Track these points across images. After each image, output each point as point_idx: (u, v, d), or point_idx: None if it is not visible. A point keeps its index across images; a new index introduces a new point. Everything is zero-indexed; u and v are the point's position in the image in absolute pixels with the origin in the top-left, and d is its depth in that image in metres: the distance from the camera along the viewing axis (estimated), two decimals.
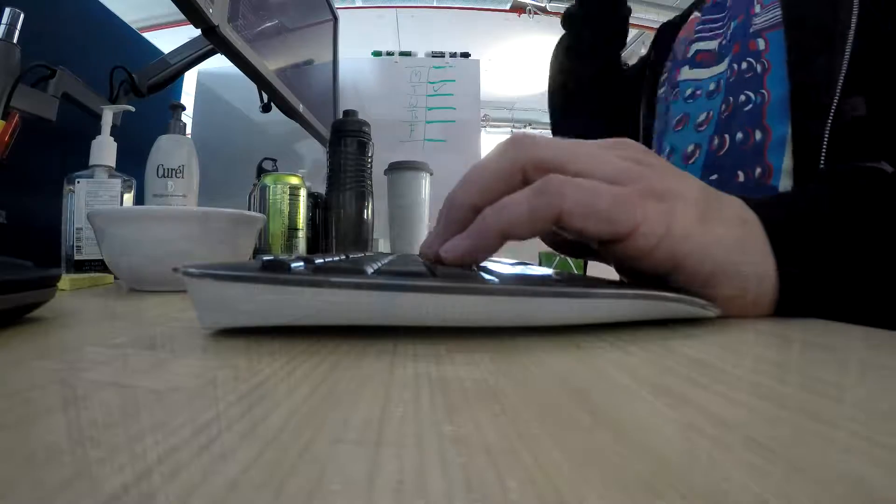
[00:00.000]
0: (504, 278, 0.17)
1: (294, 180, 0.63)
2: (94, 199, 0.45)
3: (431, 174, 0.86)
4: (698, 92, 0.48)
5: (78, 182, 0.45)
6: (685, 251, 0.21)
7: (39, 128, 0.52)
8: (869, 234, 0.22)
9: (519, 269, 0.26)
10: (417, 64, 1.49)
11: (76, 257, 0.44)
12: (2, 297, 0.16)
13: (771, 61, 0.38)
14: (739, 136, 0.40)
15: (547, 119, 0.76)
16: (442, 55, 1.50)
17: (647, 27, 3.74)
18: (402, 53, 1.50)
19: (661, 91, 0.56)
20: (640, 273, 0.22)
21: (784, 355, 0.15)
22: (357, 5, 3.46)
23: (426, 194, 0.85)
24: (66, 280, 0.33)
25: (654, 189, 0.21)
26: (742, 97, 0.40)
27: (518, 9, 3.58)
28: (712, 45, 0.47)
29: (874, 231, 0.22)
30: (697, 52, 0.48)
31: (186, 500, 0.06)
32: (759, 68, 0.39)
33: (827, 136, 0.32)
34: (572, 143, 0.22)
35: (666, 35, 0.60)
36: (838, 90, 0.32)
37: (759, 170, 0.38)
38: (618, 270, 0.26)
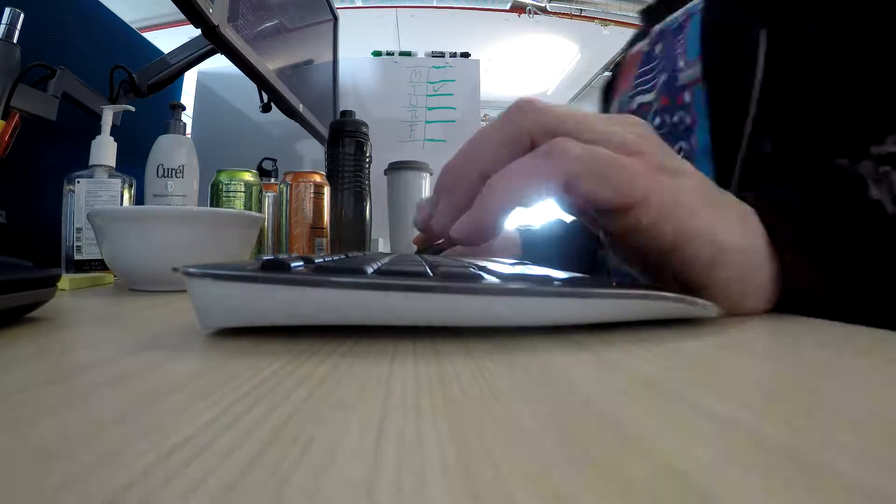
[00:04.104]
0: (504, 278, 0.17)
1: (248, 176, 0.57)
2: (94, 199, 0.45)
3: (431, 174, 0.86)
4: None
5: (78, 182, 0.45)
6: (691, 230, 0.20)
7: (39, 128, 0.52)
8: (873, 233, 0.22)
9: (519, 269, 0.26)
10: (417, 64, 1.49)
11: (76, 257, 0.44)
12: (2, 297, 0.16)
13: (696, 113, 0.42)
14: None
15: None
16: (442, 55, 1.50)
17: None
18: (402, 53, 1.50)
19: None
20: (636, 251, 0.22)
21: (784, 355, 0.15)
22: (357, 5, 3.46)
23: (426, 194, 0.85)
24: (66, 280, 0.33)
25: (663, 164, 0.21)
26: (677, 147, 0.43)
27: (518, 9, 3.58)
28: (650, 97, 0.49)
29: (877, 230, 0.22)
30: (640, 104, 0.51)
31: (187, 500, 0.06)
32: (688, 120, 0.42)
33: (737, 172, 0.35)
34: (580, 112, 0.22)
35: (608, 94, 0.61)
36: (746, 134, 0.35)
37: None
38: (613, 249, 0.25)
